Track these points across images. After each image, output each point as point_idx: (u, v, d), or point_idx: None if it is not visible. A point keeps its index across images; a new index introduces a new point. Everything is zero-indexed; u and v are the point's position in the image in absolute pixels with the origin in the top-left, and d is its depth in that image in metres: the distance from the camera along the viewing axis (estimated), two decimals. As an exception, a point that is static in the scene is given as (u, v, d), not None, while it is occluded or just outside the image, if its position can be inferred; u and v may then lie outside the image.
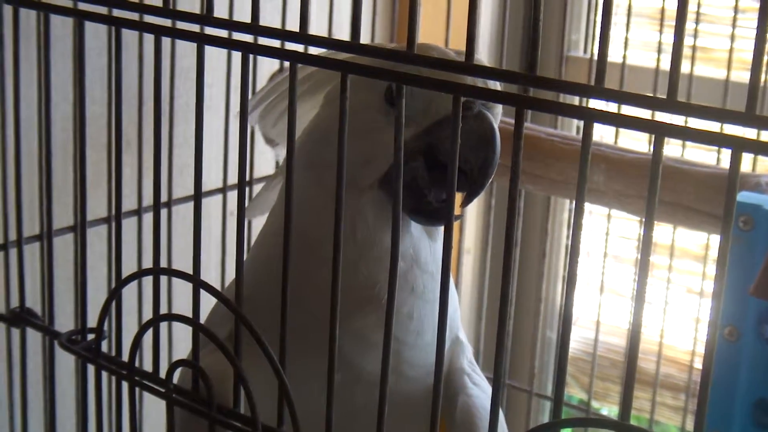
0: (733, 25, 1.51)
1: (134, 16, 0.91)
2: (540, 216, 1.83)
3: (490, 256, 1.72)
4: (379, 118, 0.96)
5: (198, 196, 0.89)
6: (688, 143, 1.41)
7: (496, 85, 0.85)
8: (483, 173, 0.96)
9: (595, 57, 0.88)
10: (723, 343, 1.11)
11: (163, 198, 1.11)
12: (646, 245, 0.73)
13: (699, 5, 1.54)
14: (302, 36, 0.83)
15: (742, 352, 1.10)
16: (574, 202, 0.79)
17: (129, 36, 0.93)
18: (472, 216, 1.87)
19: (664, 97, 0.69)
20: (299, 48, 0.84)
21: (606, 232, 1.66)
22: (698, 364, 1.19)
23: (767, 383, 1.09)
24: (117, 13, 0.93)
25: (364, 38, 1.46)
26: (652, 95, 0.71)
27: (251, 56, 0.86)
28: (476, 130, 0.90)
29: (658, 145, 0.72)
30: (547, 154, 1.41)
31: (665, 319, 1.63)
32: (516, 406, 1.83)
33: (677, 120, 0.70)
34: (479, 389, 1.04)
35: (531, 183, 1.50)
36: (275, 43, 0.87)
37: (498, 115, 0.99)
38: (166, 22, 0.89)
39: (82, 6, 0.94)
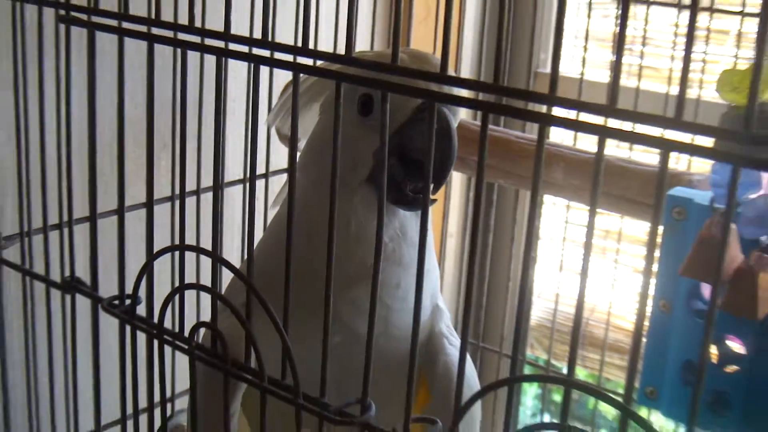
0: (673, 48, 1.50)
1: (169, 33, 0.90)
2: (510, 206, 1.84)
3: (468, 240, 1.72)
4: (354, 131, 0.97)
5: (216, 187, 0.89)
6: (636, 147, 1.41)
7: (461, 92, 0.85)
8: (444, 163, 0.95)
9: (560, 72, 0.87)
10: (658, 313, 1.10)
11: (192, 187, 1.10)
12: (589, 230, 0.72)
13: (645, 31, 1.53)
14: (304, 50, 0.82)
15: (674, 321, 1.10)
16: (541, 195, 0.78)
17: (167, 50, 0.92)
18: (454, 206, 1.87)
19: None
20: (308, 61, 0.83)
21: (565, 220, 1.66)
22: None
23: (694, 348, 1.08)
24: (155, 30, 0.92)
25: (366, 46, 1.47)
26: (598, 103, 0.70)
27: (264, 67, 0.85)
28: (440, 128, 0.90)
29: (601, 146, 0.71)
30: (516, 153, 1.41)
31: (614, 293, 1.63)
32: (489, 365, 1.84)
33: (626, 126, 0.70)
34: (455, 349, 1.05)
35: (503, 178, 1.50)
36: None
37: (458, 115, 1.00)
38: (196, 39, 0.88)
39: (125, 25, 0.94)
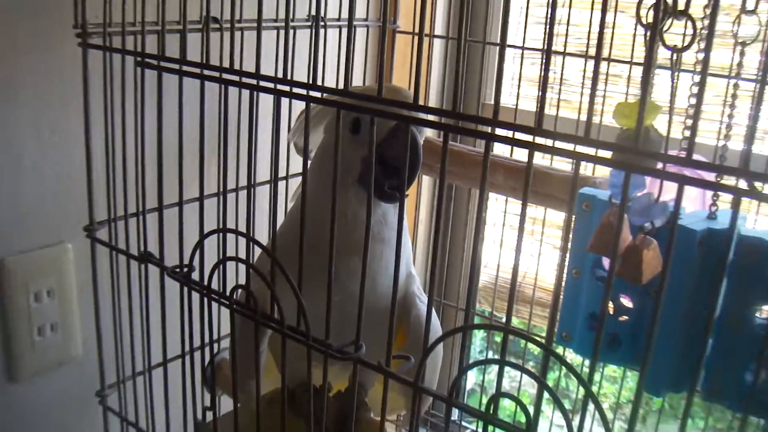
0: (582, 87, 1.50)
1: (215, 73, 0.91)
2: (464, 201, 1.83)
3: (434, 225, 1.73)
4: (346, 145, 0.97)
5: (250, 186, 0.90)
6: (556, 158, 1.41)
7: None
8: (413, 168, 0.96)
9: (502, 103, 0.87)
10: (571, 279, 1.10)
11: (232, 186, 1.10)
12: (522, 218, 0.72)
13: (562, 74, 1.53)
14: (314, 86, 0.82)
15: (582, 284, 1.09)
16: (487, 193, 0.78)
17: (214, 86, 0.92)
18: (424, 200, 1.88)
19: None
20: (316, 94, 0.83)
21: (504, 211, 1.66)
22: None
23: (596, 303, 1.08)
24: (205, 72, 0.91)
25: (360, 82, 1.47)
26: (528, 125, 0.69)
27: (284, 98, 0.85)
28: (406, 141, 0.90)
29: (530, 157, 0.71)
30: (469, 162, 1.41)
31: (539, 264, 1.63)
32: (449, 317, 1.83)
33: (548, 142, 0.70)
34: (423, 305, 1.05)
35: (459, 180, 1.50)
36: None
37: (424, 133, 1.01)
38: (235, 78, 0.88)
39: (184, 68, 0.93)
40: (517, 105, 1.53)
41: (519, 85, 1.56)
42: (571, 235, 1.11)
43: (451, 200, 1.84)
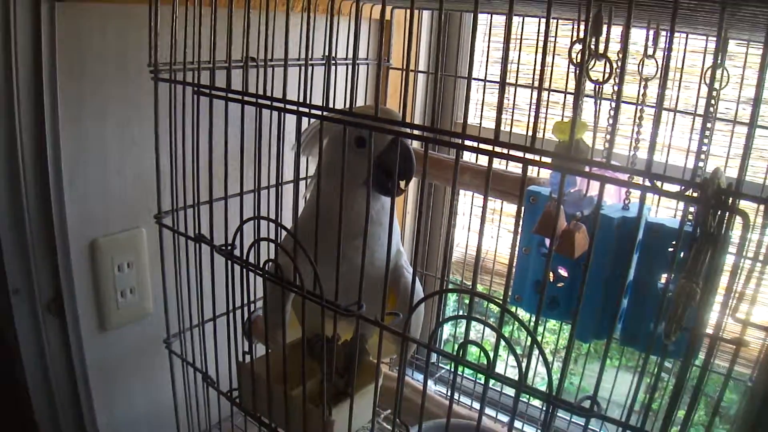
0: (530, 110, 1.49)
1: (252, 99, 0.90)
2: (443, 195, 1.82)
3: (418, 214, 1.73)
4: (353, 156, 0.95)
5: (278, 184, 0.88)
6: (511, 163, 1.40)
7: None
8: (409, 171, 0.94)
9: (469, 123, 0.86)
10: (522, 255, 1.09)
11: (264, 185, 1.08)
12: (484, 209, 0.71)
13: (515, 101, 1.52)
14: (327, 108, 0.81)
15: (531, 259, 1.08)
16: (458, 189, 0.77)
17: (251, 108, 0.90)
18: (411, 195, 1.84)
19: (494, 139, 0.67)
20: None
21: (471, 203, 1.65)
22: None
23: (540, 273, 1.07)
24: (246, 98, 0.90)
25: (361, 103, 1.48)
26: (489, 138, 0.68)
27: (304, 118, 0.84)
28: (403, 151, 0.88)
29: (490, 162, 0.70)
30: (445, 166, 1.39)
31: (497, 243, 1.61)
32: (429, 285, 1.82)
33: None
34: (410, 274, 1.04)
35: (437, 180, 1.49)
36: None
37: (412, 144, 0.98)
38: (267, 102, 0.87)
39: (229, 95, 0.93)
40: (480, 124, 1.53)
41: (482, 109, 1.55)
42: (521, 222, 1.10)
43: (431, 195, 1.82)
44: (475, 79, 1.54)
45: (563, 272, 1.06)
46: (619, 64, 1.07)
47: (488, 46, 1.53)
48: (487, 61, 1.51)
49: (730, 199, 0.61)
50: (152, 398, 1.40)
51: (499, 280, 1.74)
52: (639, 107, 1.07)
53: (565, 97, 1.43)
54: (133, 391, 1.37)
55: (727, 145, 1.32)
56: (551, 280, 1.06)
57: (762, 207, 0.60)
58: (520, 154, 0.68)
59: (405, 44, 0.82)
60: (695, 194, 0.61)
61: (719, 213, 0.62)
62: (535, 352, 0.71)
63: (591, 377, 1.37)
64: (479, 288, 1.80)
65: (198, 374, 1.16)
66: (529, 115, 1.53)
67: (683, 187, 0.62)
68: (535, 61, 1.47)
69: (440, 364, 1.88)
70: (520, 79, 1.52)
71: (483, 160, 1.53)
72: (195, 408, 1.21)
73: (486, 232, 1.68)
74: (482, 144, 0.70)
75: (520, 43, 1.50)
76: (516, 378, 0.71)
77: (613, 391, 1.42)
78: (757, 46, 1.29)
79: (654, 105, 1.25)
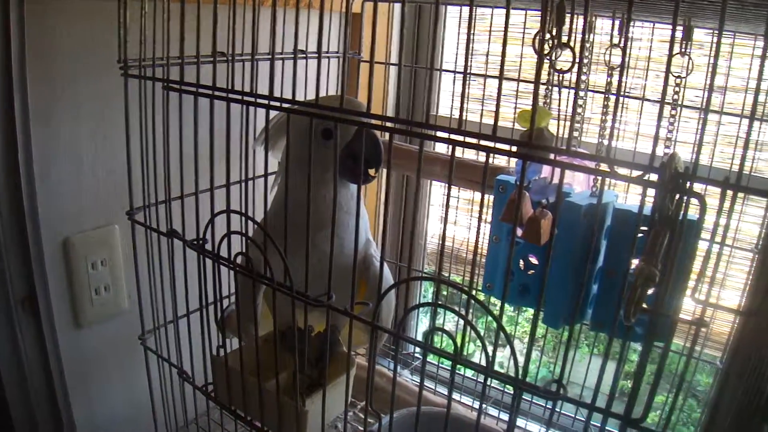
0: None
1: (224, 94, 0.90)
2: (413, 185, 1.81)
3: (394, 204, 1.73)
4: (320, 149, 0.96)
5: (247, 179, 0.89)
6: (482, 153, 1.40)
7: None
8: (377, 158, 0.95)
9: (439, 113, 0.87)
10: (493, 243, 1.11)
11: (234, 179, 1.08)
12: (447, 198, 0.72)
13: (483, 93, 1.53)
14: (294, 101, 0.81)
15: (501, 247, 1.10)
16: (427, 181, 0.78)
17: (222, 103, 0.91)
18: (382, 186, 1.84)
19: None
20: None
21: (444, 194, 1.65)
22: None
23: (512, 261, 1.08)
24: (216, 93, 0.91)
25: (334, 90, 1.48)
26: (452, 128, 0.69)
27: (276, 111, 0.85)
28: (371, 139, 0.89)
29: (453, 150, 0.71)
30: (416, 157, 1.38)
31: (471, 233, 1.62)
32: (403, 276, 1.82)
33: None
34: (378, 263, 1.04)
35: (409, 171, 1.50)
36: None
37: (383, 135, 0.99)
38: (238, 96, 0.88)
39: (200, 90, 0.93)
40: (451, 114, 1.54)
41: (461, 100, 1.55)
42: (491, 211, 1.12)
43: (403, 187, 1.82)
44: (438, 69, 1.55)
45: (533, 260, 1.07)
46: (586, 53, 1.09)
47: (467, 38, 1.54)
48: (466, 53, 1.51)
49: (687, 182, 0.63)
50: (129, 395, 1.41)
51: (462, 269, 1.75)
52: (605, 96, 1.08)
53: (537, 88, 1.44)
54: (110, 388, 1.38)
55: (696, 132, 1.33)
56: (522, 268, 1.07)
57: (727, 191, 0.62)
58: (484, 143, 0.69)
59: (371, 36, 0.83)
60: (654, 179, 0.63)
61: (677, 197, 0.63)
62: (515, 341, 0.72)
63: (570, 364, 1.39)
64: (456, 278, 1.81)
65: (174, 370, 1.17)
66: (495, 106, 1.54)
67: (642, 172, 0.63)
68: (503, 52, 1.48)
69: (417, 354, 1.89)
70: (494, 71, 1.52)
71: (458, 151, 1.56)
72: (172, 403, 1.22)
73: (461, 222, 1.70)
74: (444, 133, 0.71)
75: (489, 34, 1.51)
76: (511, 371, 0.72)
77: (588, 377, 1.45)
78: (726, 35, 1.31)
79: (621, 94, 1.27)
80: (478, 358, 1.65)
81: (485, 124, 1.56)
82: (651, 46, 1.30)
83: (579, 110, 1.12)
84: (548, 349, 1.80)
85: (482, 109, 1.55)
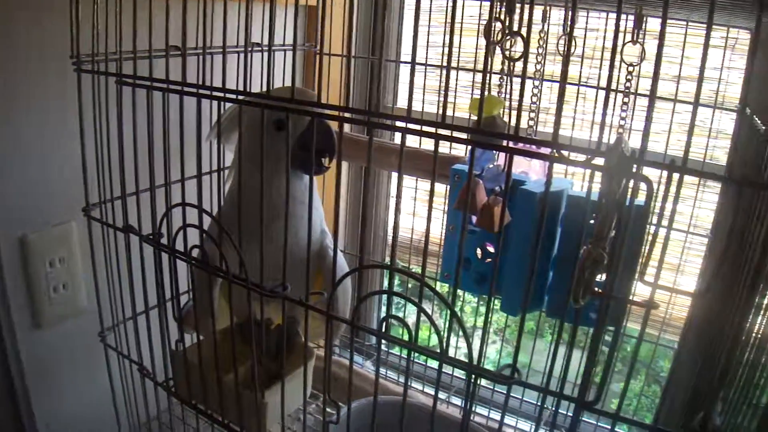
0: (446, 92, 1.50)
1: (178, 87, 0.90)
2: (378, 177, 1.82)
3: (353, 195, 1.73)
4: (274, 140, 0.96)
5: (199, 174, 0.89)
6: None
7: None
8: (330, 148, 0.96)
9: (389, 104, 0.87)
10: (449, 232, 1.11)
11: (189, 174, 1.07)
12: (399, 187, 0.72)
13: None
14: (245, 93, 0.81)
15: (456, 236, 1.10)
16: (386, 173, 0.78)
17: (175, 96, 0.90)
18: (344, 180, 1.84)
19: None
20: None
21: (416, 185, 1.65)
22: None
23: (467, 250, 1.09)
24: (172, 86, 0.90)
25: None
26: (401, 116, 0.70)
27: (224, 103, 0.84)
28: (323, 130, 0.90)
29: (403, 138, 0.71)
30: (373, 148, 1.39)
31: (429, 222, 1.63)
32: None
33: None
34: (332, 254, 1.04)
35: (364, 162, 1.49)
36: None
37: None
38: (193, 90, 0.88)
39: (155, 84, 0.93)
40: (409, 106, 1.53)
41: (410, 89, 1.55)
42: (447, 200, 1.12)
43: (361, 179, 1.82)
44: (389, 60, 1.55)
45: (491, 248, 1.08)
46: (541, 43, 1.10)
47: (414, 29, 1.54)
48: (414, 44, 1.52)
49: (634, 166, 0.63)
50: (92, 393, 1.39)
51: (432, 260, 1.76)
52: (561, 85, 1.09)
53: (489, 77, 1.45)
54: (71, 387, 1.36)
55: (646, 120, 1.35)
56: (479, 256, 1.08)
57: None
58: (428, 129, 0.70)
59: (320, 28, 0.84)
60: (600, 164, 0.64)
61: (624, 180, 0.64)
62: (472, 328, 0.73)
63: (535, 353, 1.41)
64: (419, 270, 1.82)
65: (135, 366, 1.16)
66: (445, 96, 1.55)
67: (589, 156, 0.64)
68: (459, 43, 1.49)
69: (370, 342, 1.90)
70: (455, 62, 1.52)
71: (413, 141, 1.55)
72: (134, 401, 1.21)
73: (422, 213, 1.70)
74: (396, 122, 0.71)
75: (445, 25, 1.51)
76: (469, 360, 0.73)
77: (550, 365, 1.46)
78: (678, 25, 1.33)
79: (578, 84, 1.29)
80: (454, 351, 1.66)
81: (445, 116, 1.57)
82: (605, 36, 1.31)
83: (535, 99, 1.13)
84: (512, 338, 1.81)
85: (438, 100, 1.55)
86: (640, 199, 0.65)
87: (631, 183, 0.64)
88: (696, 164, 1.33)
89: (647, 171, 0.65)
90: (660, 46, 0.70)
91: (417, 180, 1.61)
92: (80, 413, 1.39)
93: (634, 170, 0.63)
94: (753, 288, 0.61)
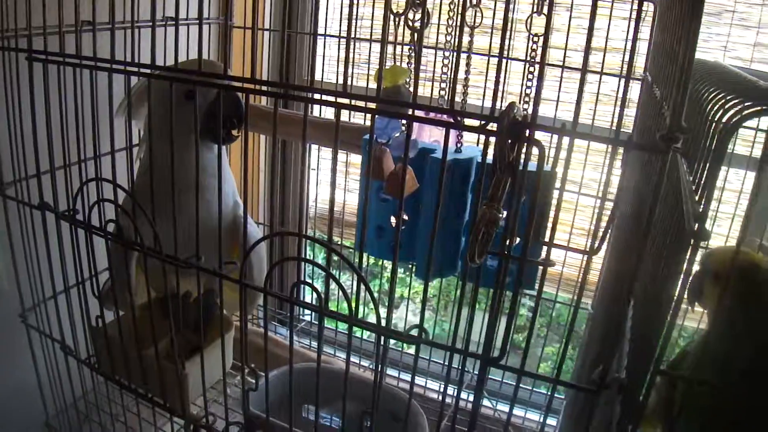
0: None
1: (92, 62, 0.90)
2: (294, 149, 1.81)
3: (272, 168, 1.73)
4: (183, 109, 0.93)
5: (113, 151, 0.89)
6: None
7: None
8: (239, 117, 0.97)
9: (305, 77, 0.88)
10: (363, 201, 1.14)
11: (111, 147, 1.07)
12: (302, 156, 0.74)
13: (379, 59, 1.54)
14: (154, 66, 0.82)
15: (371, 204, 1.13)
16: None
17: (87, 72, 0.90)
18: (263, 152, 1.82)
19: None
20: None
21: (322, 157, 1.66)
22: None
23: (380, 218, 1.12)
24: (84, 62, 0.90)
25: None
26: (303, 86, 0.72)
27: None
28: (231, 100, 0.91)
29: (306, 108, 0.73)
30: (286, 121, 1.37)
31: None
32: (286, 240, 1.81)
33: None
34: (248, 224, 1.03)
35: (279, 134, 1.49)
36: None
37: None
38: (106, 65, 0.88)
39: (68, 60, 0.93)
40: (322, 77, 1.54)
41: (311, 60, 1.56)
42: (364, 169, 1.15)
43: (282, 151, 1.81)
44: (295, 32, 1.56)
45: (405, 217, 1.11)
46: (451, 15, 1.12)
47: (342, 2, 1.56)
48: (315, 15, 1.53)
49: (526, 131, 0.67)
50: (17, 376, 1.38)
51: (349, 230, 1.77)
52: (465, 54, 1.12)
53: (401, 48, 1.48)
54: (-5, 372, 1.35)
55: (557, 89, 1.39)
56: (393, 225, 1.11)
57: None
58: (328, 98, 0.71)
59: (224, 2, 0.85)
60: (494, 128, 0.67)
61: (516, 144, 0.68)
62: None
63: (462, 321, 1.44)
64: (347, 243, 1.84)
65: (58, 346, 1.16)
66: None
67: (483, 122, 0.68)
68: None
69: (303, 317, 1.94)
70: (366, 34, 1.54)
71: (329, 113, 1.55)
72: (59, 382, 1.21)
73: (343, 185, 1.71)
74: (297, 92, 0.73)
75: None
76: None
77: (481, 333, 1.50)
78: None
79: (484, 54, 1.33)
80: (371, 317, 1.69)
81: (368, 88, 1.58)
82: (515, 8, 1.35)
83: (446, 70, 1.16)
84: (440, 307, 1.85)
85: (359, 73, 1.57)
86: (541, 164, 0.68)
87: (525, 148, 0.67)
88: (605, 132, 1.38)
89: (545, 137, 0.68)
90: (549, 15, 0.74)
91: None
92: (4, 398, 1.38)
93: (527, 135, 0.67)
94: (644, 237, 0.65)
